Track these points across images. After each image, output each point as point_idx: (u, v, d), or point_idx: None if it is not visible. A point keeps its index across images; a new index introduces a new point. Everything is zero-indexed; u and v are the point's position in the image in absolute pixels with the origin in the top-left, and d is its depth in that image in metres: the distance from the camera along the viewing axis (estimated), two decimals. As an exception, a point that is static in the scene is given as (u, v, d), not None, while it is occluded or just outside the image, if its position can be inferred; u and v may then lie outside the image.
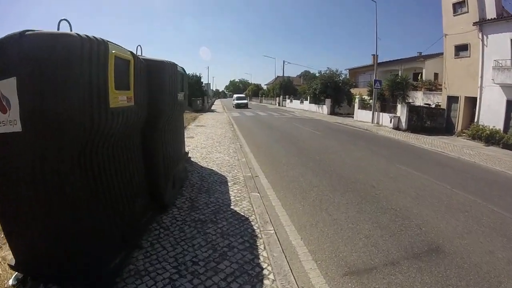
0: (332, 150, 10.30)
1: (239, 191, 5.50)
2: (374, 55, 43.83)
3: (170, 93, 4.19)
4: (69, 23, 2.56)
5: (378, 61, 41.07)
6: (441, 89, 24.41)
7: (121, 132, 2.96)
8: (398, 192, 6.21)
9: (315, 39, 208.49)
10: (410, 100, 23.44)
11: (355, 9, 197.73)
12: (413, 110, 19.22)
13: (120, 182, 3.04)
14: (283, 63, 51.79)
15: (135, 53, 3.52)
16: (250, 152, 9.47)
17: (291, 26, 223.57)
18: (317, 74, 35.12)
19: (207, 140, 11.12)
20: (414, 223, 4.68)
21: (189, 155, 8.20)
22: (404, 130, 18.33)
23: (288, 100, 46.92)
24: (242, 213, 4.55)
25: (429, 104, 21.97)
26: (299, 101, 41.20)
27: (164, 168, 4.41)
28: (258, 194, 5.39)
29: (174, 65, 4.41)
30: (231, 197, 5.18)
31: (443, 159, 10.36)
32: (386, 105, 23.61)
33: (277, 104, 52.11)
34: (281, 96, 50.72)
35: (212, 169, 6.91)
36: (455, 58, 19.54)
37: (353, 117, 27.49)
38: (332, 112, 30.99)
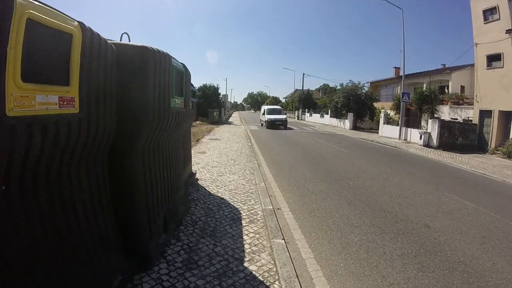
0: (365, 173, 8.69)
1: (257, 235, 4.02)
2: (396, 67, 42.41)
3: (157, 97, 2.82)
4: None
5: (400, 74, 39.41)
6: (468, 102, 22.79)
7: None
8: (460, 234, 4.68)
9: (334, 52, 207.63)
10: (438, 115, 21.70)
11: (375, 21, 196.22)
12: (444, 125, 17.45)
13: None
14: (303, 75, 50.46)
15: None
16: (269, 174, 8.01)
17: (311, 39, 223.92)
18: (338, 87, 33.49)
19: (221, 156, 9.75)
20: (492, 283, 3.28)
21: (197, 175, 6.84)
22: (435, 148, 16.70)
23: (307, 114, 45.43)
24: (259, 277, 3.08)
25: (456, 119, 20.21)
26: (319, 115, 39.64)
27: (148, 207, 3.03)
28: (283, 241, 3.89)
29: (166, 57, 3.05)
30: (245, 246, 3.71)
31: (488, 183, 8.68)
32: (413, 120, 21.89)
33: (296, 117, 50.71)
34: (300, 110, 49.33)
35: (222, 198, 5.48)
36: (487, 69, 17.88)
37: (377, 132, 25.92)
38: (355, 127, 29.34)
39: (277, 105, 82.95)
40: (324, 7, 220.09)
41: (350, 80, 32.09)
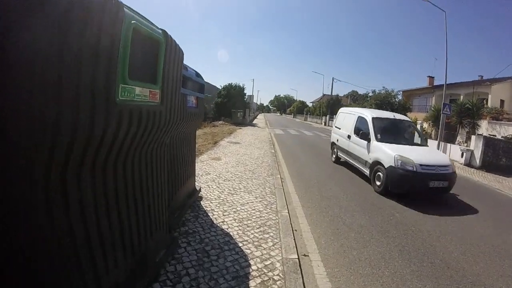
0: (411, 203, 6.91)
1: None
2: (430, 77, 39.54)
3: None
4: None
5: (435, 84, 36.63)
6: (508, 118, 20.75)
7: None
8: None
9: (365, 59, 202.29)
10: (481, 132, 19.32)
11: (408, 28, 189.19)
12: (489, 143, 15.15)
13: None
14: (332, 80, 48.09)
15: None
16: (294, 194, 6.39)
17: (341, 44, 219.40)
18: (370, 94, 31.20)
19: (237, 166, 8.22)
20: None
21: (202, 192, 5.35)
22: (478, 168, 14.56)
23: (335, 120, 43.19)
24: None
25: (494, 135, 17.96)
26: (348, 122, 37.32)
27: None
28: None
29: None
30: None
31: None
32: (451, 135, 19.72)
33: (323, 123, 48.53)
34: (328, 116, 47.10)
35: (228, 234, 3.92)
36: None
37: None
38: (387, 138, 26.93)
39: (303, 109, 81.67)
40: (356, 13, 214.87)
41: (383, 87, 29.90)
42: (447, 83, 31.91)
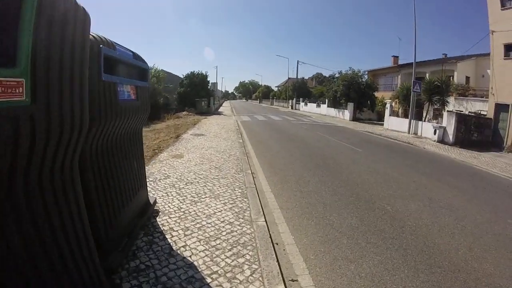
0: (399, 188, 6.34)
1: None
2: (395, 56, 40.10)
3: None
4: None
5: (399, 63, 37.28)
6: (474, 94, 21.57)
7: None
8: None
9: (328, 41, 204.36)
10: (458, 108, 19.68)
11: (370, 8, 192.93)
12: (461, 120, 15.34)
13: None
14: (297, 63, 47.80)
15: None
16: (269, 193, 5.53)
17: (303, 28, 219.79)
18: (336, 75, 30.96)
19: (202, 163, 7.21)
20: None
21: (158, 204, 4.36)
22: (451, 144, 14.72)
23: (302, 103, 42.89)
24: None
25: (461, 111, 18.62)
26: (315, 105, 37.16)
27: None
28: None
29: None
30: None
31: None
32: (418, 112, 20.01)
33: (290, 107, 48.15)
34: (294, 99, 46.74)
35: (191, 263, 2.96)
36: (504, 59, 16.15)
37: (379, 124, 24.21)
38: (354, 118, 27.02)
39: (269, 93, 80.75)
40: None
41: (350, 68, 29.68)
42: (412, 62, 32.56)
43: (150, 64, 30.97)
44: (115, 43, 2.96)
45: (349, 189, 5.97)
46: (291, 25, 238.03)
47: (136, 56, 3.34)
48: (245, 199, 4.82)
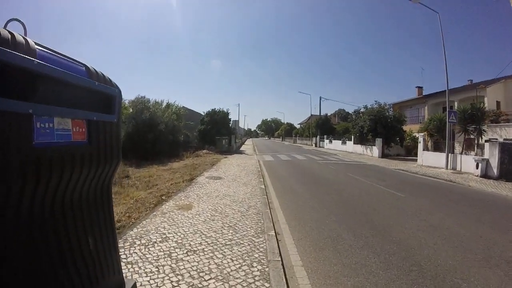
0: (471, 252, 4.61)
1: None
2: (419, 87, 38.50)
3: None
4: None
5: (424, 94, 35.52)
6: (507, 119, 19.87)
7: None
8: None
9: (348, 76, 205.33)
10: (492, 136, 17.74)
11: (388, 40, 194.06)
12: (505, 149, 13.54)
13: None
14: (320, 99, 46.67)
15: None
16: (301, 269, 3.95)
17: (323, 66, 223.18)
18: (361, 109, 29.50)
19: (213, 219, 5.75)
20: None
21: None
22: (496, 178, 12.97)
23: (326, 141, 41.28)
24: None
25: (496, 139, 16.60)
26: (339, 142, 35.49)
27: None
28: None
29: None
30: None
31: None
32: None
33: (314, 145, 46.64)
34: (318, 136, 45.30)
35: None
36: None
37: (411, 159, 22.53)
38: (383, 154, 25.12)
39: (292, 131, 79.64)
40: (334, 33, 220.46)
41: (375, 101, 28.20)
42: (436, 91, 30.89)
43: (170, 101, 30.93)
44: (43, 47, 1.72)
45: (405, 257, 4.30)
46: (311, 63, 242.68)
47: (93, 75, 2.08)
48: (265, 284, 3.29)
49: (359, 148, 29.22)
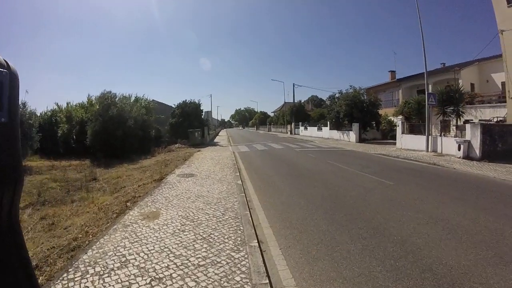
0: (479, 247, 4.09)
1: None
2: (392, 71, 38.92)
3: None
4: None
5: (397, 78, 35.84)
6: (481, 101, 20.32)
7: None
8: None
9: (319, 63, 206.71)
10: (467, 117, 17.93)
11: (359, 25, 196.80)
12: (486, 131, 13.67)
13: None
14: (293, 86, 46.06)
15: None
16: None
17: (296, 51, 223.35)
18: (337, 95, 29.17)
19: (184, 229, 4.84)
20: None
21: None
22: (479, 159, 12.98)
23: (301, 128, 40.98)
24: None
25: (471, 120, 17.28)
26: (315, 128, 35.22)
27: None
28: None
29: None
30: None
31: None
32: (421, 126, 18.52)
33: (289, 132, 46.28)
34: (293, 124, 44.92)
35: None
36: None
37: (390, 143, 22.25)
38: (360, 139, 24.98)
39: (266, 120, 78.81)
40: (306, 17, 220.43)
41: (350, 86, 27.90)
42: (409, 75, 31.09)
43: (139, 95, 29.28)
44: None
45: (414, 262, 3.67)
46: (282, 50, 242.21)
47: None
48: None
49: (335, 134, 28.99)
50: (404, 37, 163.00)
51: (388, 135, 28.14)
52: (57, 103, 29.34)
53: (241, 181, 8.69)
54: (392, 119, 29.23)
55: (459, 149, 13.96)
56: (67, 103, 29.43)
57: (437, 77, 26.50)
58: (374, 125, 26.51)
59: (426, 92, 17.03)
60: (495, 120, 17.81)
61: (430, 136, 16.67)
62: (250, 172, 10.81)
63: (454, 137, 16.29)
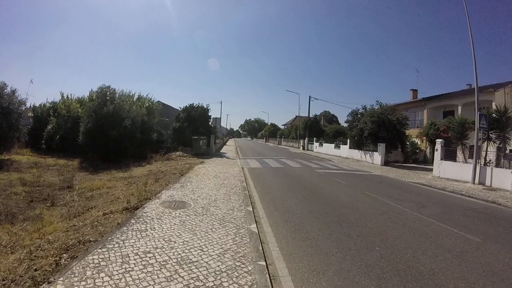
0: None
1: None
2: (413, 90, 35.80)
3: None
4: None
5: (421, 97, 32.65)
6: None
7: None
8: None
9: (338, 77, 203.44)
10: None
11: (381, 39, 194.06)
12: None
13: None
14: (309, 99, 42.98)
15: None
16: None
17: (313, 65, 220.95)
18: (360, 110, 26.05)
19: None
20: None
21: None
22: None
23: (316, 144, 37.74)
24: None
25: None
26: (332, 145, 31.98)
27: None
28: None
29: None
30: None
31: None
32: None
33: (302, 147, 43.00)
34: (306, 139, 41.70)
35: None
36: None
37: (422, 169, 19.46)
38: (386, 162, 21.81)
39: (276, 132, 75.50)
40: (327, 29, 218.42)
41: (377, 101, 24.87)
42: (438, 94, 27.94)
43: (142, 94, 26.41)
44: None
45: None
46: (301, 63, 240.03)
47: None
48: None
49: (356, 154, 25.77)
50: (426, 55, 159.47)
51: (411, 158, 25.10)
52: (62, 93, 26.87)
53: (256, 225, 5.57)
54: (416, 141, 26.21)
55: (516, 183, 11.17)
56: (66, 96, 26.89)
57: (467, 98, 23.52)
58: (399, 146, 23.47)
59: (477, 114, 13.87)
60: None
61: (478, 165, 13.52)
62: (268, 204, 7.67)
63: (496, 166, 13.38)
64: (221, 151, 29.89)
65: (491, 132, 14.86)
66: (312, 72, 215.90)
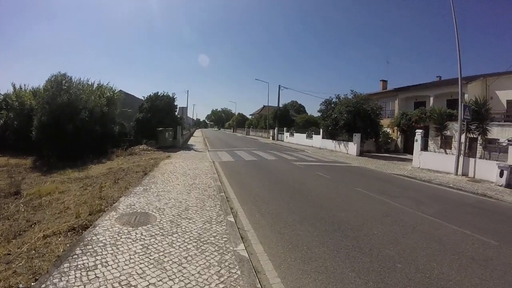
0: None
1: None
2: (383, 80, 35.93)
3: None
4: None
5: (391, 88, 32.94)
6: (492, 118, 16.82)
7: None
8: None
9: (306, 67, 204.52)
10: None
11: (348, 29, 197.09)
12: None
13: None
14: (279, 88, 42.10)
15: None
16: None
17: (280, 55, 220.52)
18: (333, 99, 25.41)
19: None
20: None
21: None
22: None
23: (286, 134, 36.96)
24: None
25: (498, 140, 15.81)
26: (304, 135, 31.33)
27: None
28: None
29: None
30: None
31: None
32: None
33: (271, 137, 42.13)
34: (276, 129, 40.85)
35: None
36: None
37: (394, 158, 19.65)
38: (361, 152, 21.45)
39: (244, 122, 74.00)
40: (292, 17, 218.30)
41: (351, 91, 24.37)
42: (410, 85, 28.01)
43: (103, 82, 23.69)
44: None
45: None
46: (267, 51, 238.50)
47: None
48: None
49: (329, 144, 25.25)
50: (395, 46, 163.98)
51: (383, 148, 25.02)
52: (14, 84, 23.45)
53: (244, 244, 4.36)
54: (388, 131, 26.20)
55: (501, 175, 11.03)
56: (19, 86, 23.53)
57: (439, 90, 23.80)
58: (373, 136, 23.25)
59: (460, 105, 13.64)
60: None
61: (461, 157, 13.27)
62: (251, 210, 6.45)
63: (480, 158, 13.49)
64: (188, 143, 28.17)
65: (470, 123, 14.69)
66: (279, 62, 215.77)
